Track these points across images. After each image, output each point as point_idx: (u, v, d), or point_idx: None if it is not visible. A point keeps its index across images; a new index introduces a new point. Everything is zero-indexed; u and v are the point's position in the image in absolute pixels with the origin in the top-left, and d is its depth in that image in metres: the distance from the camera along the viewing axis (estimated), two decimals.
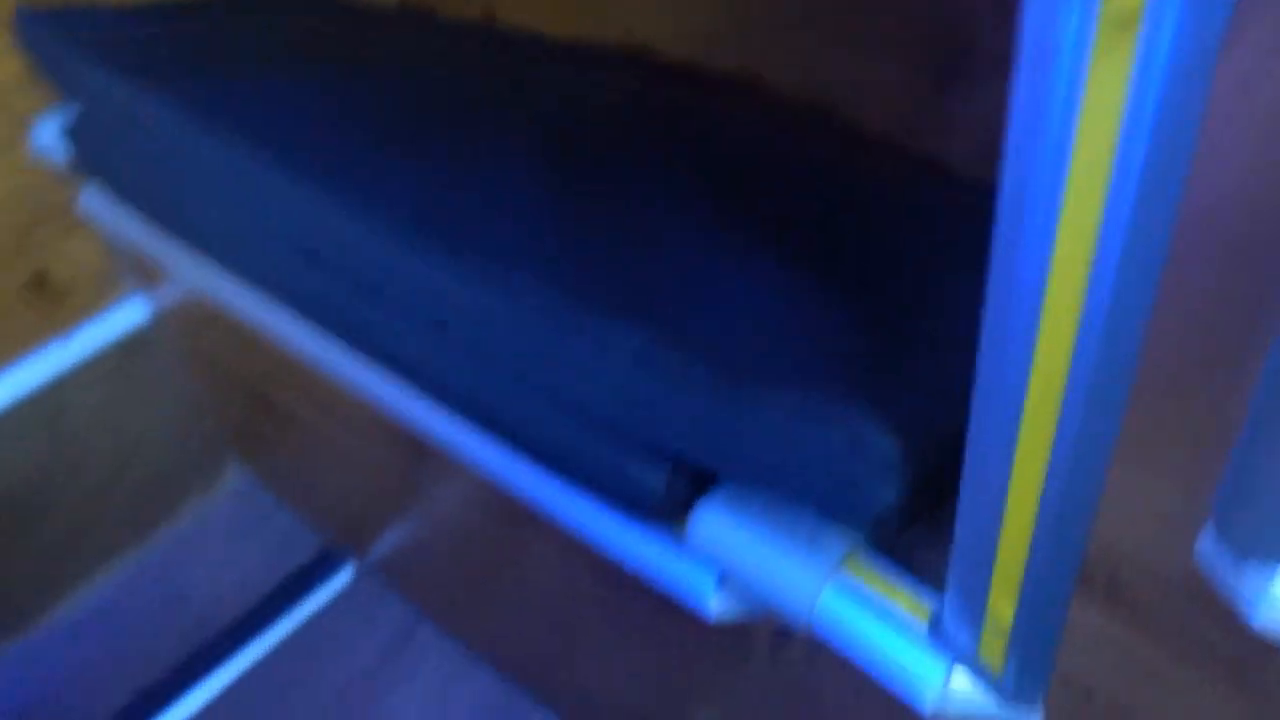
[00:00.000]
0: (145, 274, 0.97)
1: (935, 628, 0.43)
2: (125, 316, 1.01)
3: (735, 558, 0.49)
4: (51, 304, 0.97)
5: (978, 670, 0.42)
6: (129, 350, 1.01)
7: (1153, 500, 0.32)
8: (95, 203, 0.91)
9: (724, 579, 0.52)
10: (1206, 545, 0.31)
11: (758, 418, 0.43)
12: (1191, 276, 0.27)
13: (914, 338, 0.47)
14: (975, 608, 0.39)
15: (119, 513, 1.09)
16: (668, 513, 0.51)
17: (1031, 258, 0.28)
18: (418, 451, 0.77)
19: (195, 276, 0.82)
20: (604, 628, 0.74)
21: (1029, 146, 0.26)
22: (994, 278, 0.30)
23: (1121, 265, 0.27)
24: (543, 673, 0.92)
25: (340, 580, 1.09)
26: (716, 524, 0.50)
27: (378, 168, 0.65)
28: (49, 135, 0.88)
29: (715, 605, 0.52)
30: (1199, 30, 0.23)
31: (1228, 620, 0.31)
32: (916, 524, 0.42)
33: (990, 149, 0.29)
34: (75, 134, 0.85)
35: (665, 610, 0.63)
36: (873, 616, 0.44)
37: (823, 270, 0.52)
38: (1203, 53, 0.23)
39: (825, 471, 0.41)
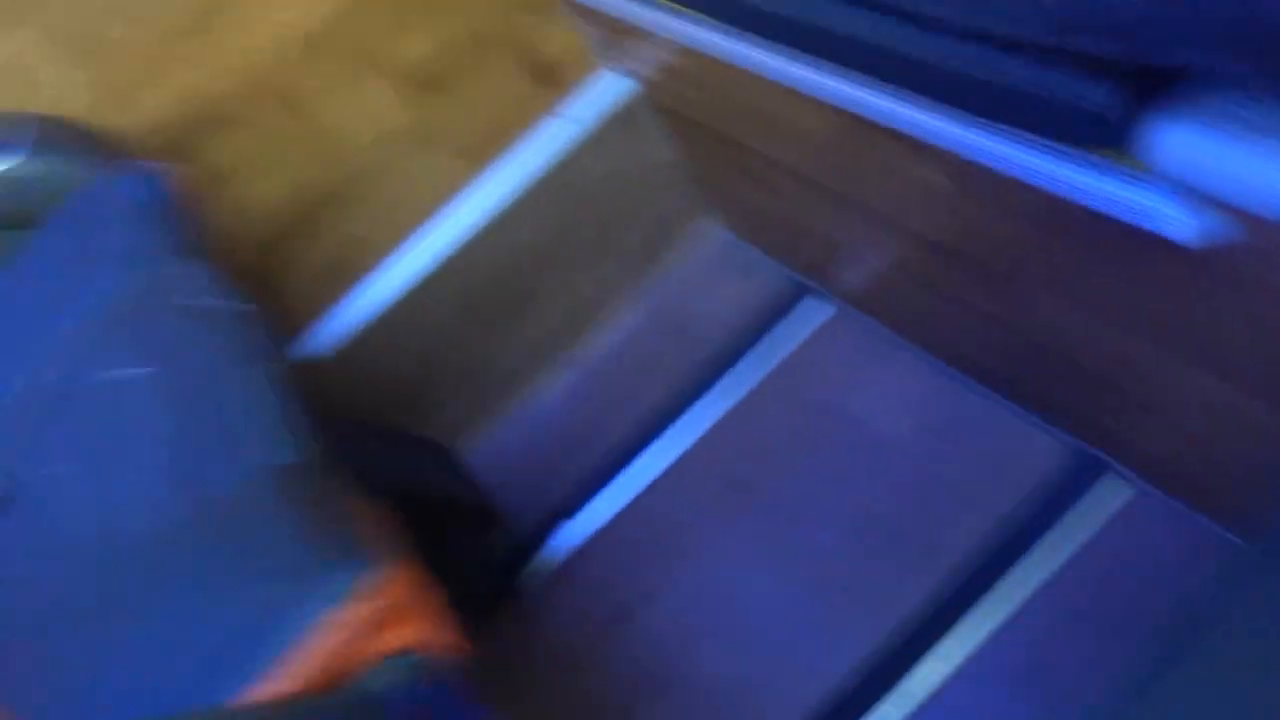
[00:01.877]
0: (621, 45, 1.10)
1: None
2: (609, 88, 1.15)
3: (1206, 170, 0.50)
4: (550, 85, 1.14)
5: None
6: (616, 119, 1.16)
7: None
8: None
9: (1197, 198, 0.52)
10: None
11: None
12: None
13: None
14: None
15: (619, 265, 1.28)
16: (1120, 129, 0.53)
17: None
18: (862, 153, 0.82)
19: (665, 28, 0.93)
20: (1068, 284, 0.76)
21: None
22: None
23: None
24: (1008, 365, 0.96)
25: (811, 309, 1.20)
26: (1181, 135, 0.50)
27: None
28: None
29: (1189, 228, 0.53)
30: None
31: None
32: None
33: None
34: None
35: (1120, 253, 0.65)
36: None
37: None
38: None
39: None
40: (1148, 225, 0.58)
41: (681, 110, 1.12)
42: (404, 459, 1.14)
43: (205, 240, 0.70)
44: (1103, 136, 0.55)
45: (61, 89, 0.89)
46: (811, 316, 1.20)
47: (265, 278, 1.05)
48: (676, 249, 1.31)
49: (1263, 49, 0.44)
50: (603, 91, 1.16)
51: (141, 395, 0.58)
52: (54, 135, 0.81)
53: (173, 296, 0.63)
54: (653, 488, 1.17)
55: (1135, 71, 0.50)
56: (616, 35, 1.08)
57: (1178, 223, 0.56)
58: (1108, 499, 0.95)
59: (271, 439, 0.53)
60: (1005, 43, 0.57)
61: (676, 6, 0.89)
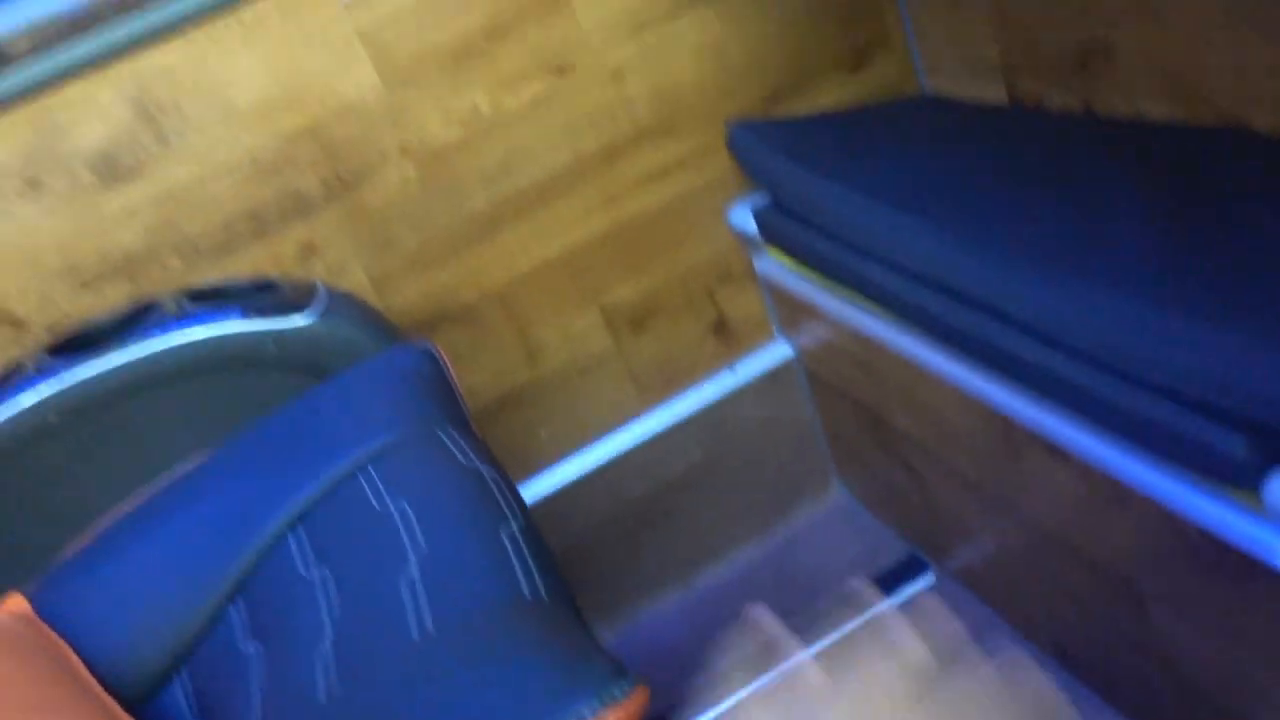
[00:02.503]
0: (795, 320, 1.28)
1: None
2: (775, 353, 1.32)
3: None
4: (726, 342, 1.32)
5: None
6: (774, 380, 1.33)
7: None
8: (767, 265, 1.24)
9: None
10: None
11: None
12: None
13: None
14: None
15: (750, 506, 1.41)
16: (1252, 478, 0.65)
17: None
18: (1007, 451, 0.95)
19: (838, 316, 1.10)
20: (1183, 605, 0.85)
21: None
22: None
23: None
24: (1109, 664, 1.03)
25: (922, 583, 1.30)
26: None
27: (1004, 222, 0.87)
28: (740, 216, 1.23)
29: None
30: None
31: None
32: None
33: None
34: (763, 214, 1.18)
35: (1245, 580, 0.74)
36: None
37: None
38: None
39: None
40: (1262, 557, 0.69)
41: (833, 381, 1.28)
42: None
43: (466, 410, 0.85)
44: (1233, 478, 0.67)
45: (343, 272, 1.10)
46: (922, 590, 1.30)
47: None
48: (803, 502, 1.44)
49: None
50: (769, 352, 1.33)
51: (405, 525, 0.71)
52: (342, 305, 0.99)
53: (441, 450, 0.77)
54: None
55: (1271, 430, 0.63)
56: (792, 310, 1.26)
57: None
58: None
59: (518, 574, 0.65)
60: (1157, 386, 0.70)
61: (854, 295, 1.06)
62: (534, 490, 1.26)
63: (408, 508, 0.73)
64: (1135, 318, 0.71)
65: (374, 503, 0.75)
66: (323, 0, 1.02)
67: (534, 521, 0.73)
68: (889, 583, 1.33)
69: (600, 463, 1.28)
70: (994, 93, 1.19)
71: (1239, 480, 0.67)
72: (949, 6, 1.20)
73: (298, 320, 0.91)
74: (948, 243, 0.89)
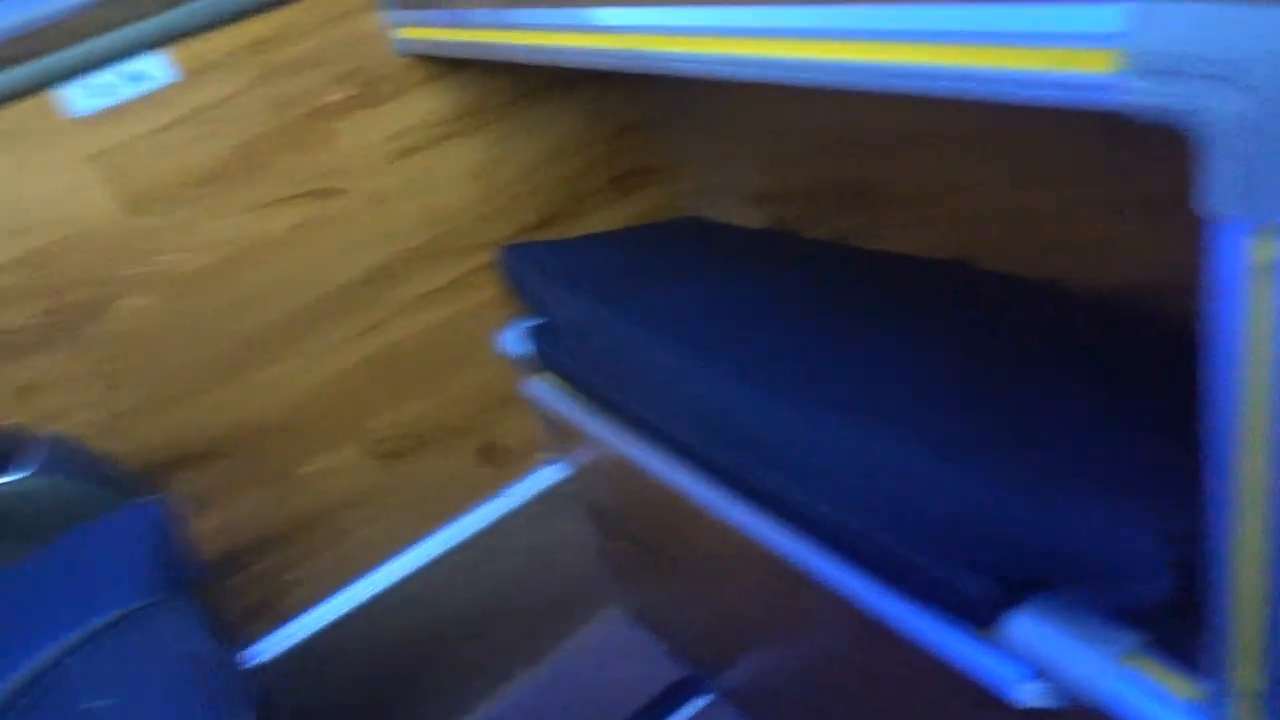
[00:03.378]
0: (568, 445, 1.26)
1: (1207, 705, 0.56)
2: (548, 477, 1.30)
3: (1044, 657, 0.65)
4: (498, 468, 1.28)
5: None
6: (548, 504, 1.31)
7: None
8: (539, 390, 1.22)
9: (1037, 674, 0.67)
10: None
11: (1061, 534, 0.59)
12: None
13: (1150, 455, 0.62)
14: (1229, 681, 0.53)
15: (524, 634, 1.36)
16: (989, 617, 0.68)
17: (1232, 431, 0.45)
18: (779, 583, 0.96)
19: (611, 445, 1.09)
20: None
21: (1223, 348, 0.44)
22: (1213, 445, 0.47)
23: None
24: None
25: (698, 704, 1.29)
26: (1031, 629, 0.66)
27: (766, 356, 0.89)
28: (511, 340, 1.21)
29: (1028, 695, 0.67)
30: None
31: None
32: (1186, 616, 0.56)
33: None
34: (533, 338, 1.17)
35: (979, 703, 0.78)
36: (1156, 702, 0.58)
37: (1101, 401, 0.69)
38: None
39: (1111, 573, 0.57)
40: (990, 683, 0.71)
41: (608, 505, 1.27)
42: None
43: (201, 573, 0.78)
44: (976, 617, 0.70)
45: (68, 413, 1.00)
46: (698, 711, 1.29)
47: (214, 596, 1.10)
48: (581, 625, 1.41)
49: (1101, 574, 0.60)
50: (543, 477, 1.31)
51: None
52: (62, 456, 0.89)
53: (160, 633, 0.70)
54: None
55: (1010, 571, 0.66)
56: (565, 435, 1.25)
57: (1014, 686, 0.70)
58: None
59: None
60: (906, 526, 0.73)
61: (622, 422, 1.06)
62: (293, 634, 1.17)
63: (111, 707, 0.66)
64: (883, 456, 0.74)
65: (77, 699, 0.67)
66: (51, 120, 0.94)
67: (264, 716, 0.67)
68: (667, 703, 1.31)
69: (366, 599, 1.21)
70: (759, 218, 1.24)
71: (980, 619, 0.70)
72: (715, 136, 1.25)
73: (6, 477, 0.81)
74: (713, 376, 0.90)
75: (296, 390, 1.13)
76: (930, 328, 0.86)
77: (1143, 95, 0.40)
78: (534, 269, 1.15)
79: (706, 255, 1.15)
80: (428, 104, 1.12)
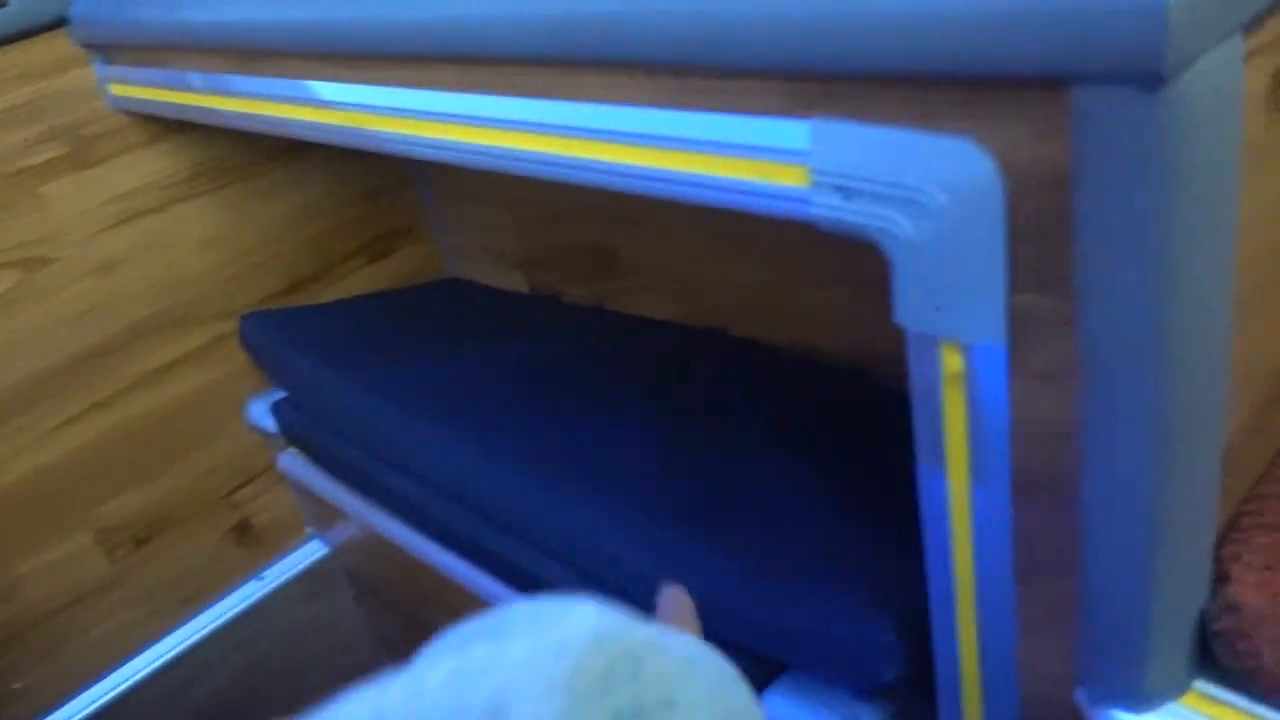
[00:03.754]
0: (327, 519, 1.20)
1: None
2: (308, 554, 1.23)
3: None
4: (251, 548, 1.20)
5: None
6: (310, 582, 1.23)
7: (1042, 662, 0.48)
8: (291, 464, 1.15)
9: None
10: (1080, 694, 0.47)
11: (797, 619, 0.60)
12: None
13: (883, 533, 0.64)
14: None
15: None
16: None
17: (940, 532, 0.46)
18: None
19: (368, 520, 1.04)
20: None
21: (926, 444, 0.45)
22: (928, 538, 0.48)
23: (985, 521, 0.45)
24: None
25: None
26: (781, 709, 0.66)
27: (513, 426, 0.87)
28: (259, 413, 1.14)
29: None
30: (993, 378, 0.41)
31: None
32: (917, 690, 0.58)
33: None
34: (281, 410, 1.10)
35: None
36: None
37: (825, 485, 0.70)
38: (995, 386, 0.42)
39: (845, 657, 0.58)
40: None
41: (372, 579, 1.21)
42: None
43: None
44: None
45: None
46: None
47: None
48: None
49: (838, 656, 0.61)
50: (302, 554, 1.23)
51: None
52: None
53: None
54: None
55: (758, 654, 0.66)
56: (322, 509, 1.18)
57: None
58: None
59: None
60: (649, 607, 0.72)
61: (373, 495, 1.01)
62: None
63: None
64: (639, 536, 0.73)
65: None
66: None
67: None
68: None
69: (107, 701, 1.10)
70: (516, 281, 1.22)
71: None
72: (469, 199, 1.22)
73: None
74: (461, 451, 0.86)
75: (8, 478, 1.01)
76: (677, 397, 0.86)
77: (829, 211, 0.40)
78: (275, 338, 1.09)
79: (461, 320, 1.12)
80: (153, 165, 1.04)
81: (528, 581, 0.84)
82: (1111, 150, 0.31)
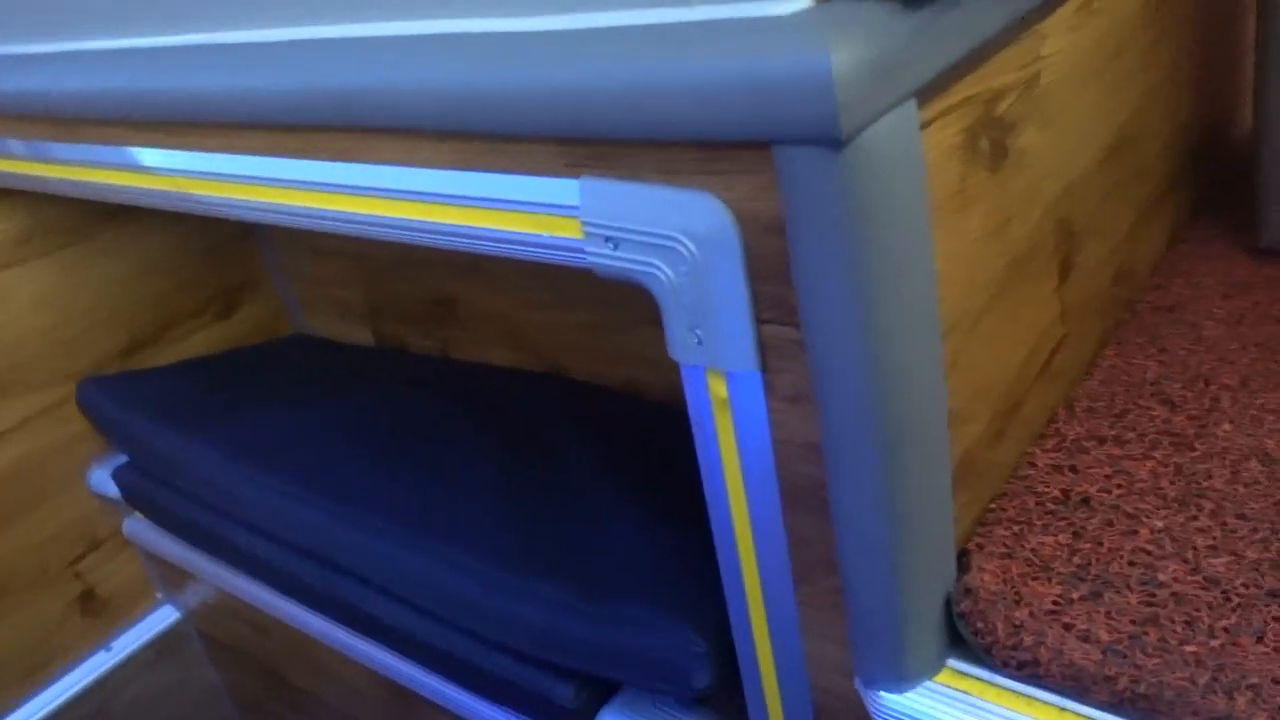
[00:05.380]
0: (178, 583, 1.18)
1: None
2: (160, 620, 1.21)
3: None
4: (98, 617, 1.17)
5: None
6: (164, 649, 1.21)
7: (825, 655, 0.53)
8: (137, 528, 1.14)
9: None
10: (857, 681, 0.52)
11: (619, 637, 0.64)
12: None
13: (691, 549, 0.68)
14: None
15: None
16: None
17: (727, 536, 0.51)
18: (397, 703, 0.95)
19: (220, 580, 1.04)
20: None
21: (708, 464, 0.50)
22: (719, 549, 0.52)
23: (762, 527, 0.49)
24: None
25: None
26: None
27: (361, 482, 0.89)
28: (100, 479, 1.12)
29: None
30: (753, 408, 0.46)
31: None
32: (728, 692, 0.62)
33: None
34: (122, 476, 1.09)
35: None
36: None
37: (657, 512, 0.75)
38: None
39: (662, 668, 0.62)
40: None
41: (228, 641, 1.20)
42: None
43: None
44: None
45: None
46: None
47: None
48: None
49: (658, 669, 0.65)
50: (154, 620, 1.21)
51: None
52: None
53: None
54: None
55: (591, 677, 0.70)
56: (172, 573, 1.17)
57: None
58: None
59: None
60: (499, 642, 0.75)
61: (222, 556, 1.01)
62: None
63: None
64: (477, 577, 0.76)
65: None
66: None
67: None
68: None
69: None
70: (362, 334, 1.24)
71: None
72: (313, 254, 1.24)
73: None
74: (307, 506, 0.88)
75: None
76: (512, 440, 0.90)
77: (602, 259, 0.45)
78: (113, 403, 1.08)
79: (306, 375, 1.13)
80: None
81: (374, 626, 0.86)
82: (809, 201, 0.36)
